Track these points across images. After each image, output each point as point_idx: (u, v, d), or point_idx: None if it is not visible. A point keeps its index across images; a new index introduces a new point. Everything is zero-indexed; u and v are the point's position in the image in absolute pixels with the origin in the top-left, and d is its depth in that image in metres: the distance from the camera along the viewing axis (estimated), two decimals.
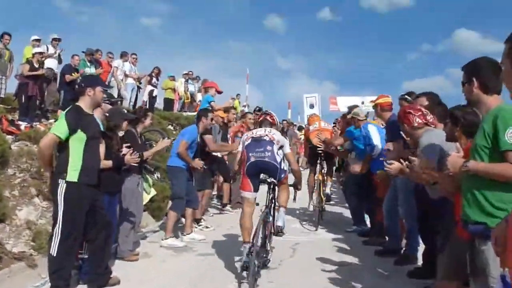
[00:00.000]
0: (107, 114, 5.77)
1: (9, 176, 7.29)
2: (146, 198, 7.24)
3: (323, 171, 10.13)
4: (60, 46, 13.49)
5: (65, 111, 4.88)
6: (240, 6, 78.11)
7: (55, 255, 4.65)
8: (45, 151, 4.80)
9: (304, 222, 9.68)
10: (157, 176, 7.34)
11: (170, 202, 8.15)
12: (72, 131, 4.73)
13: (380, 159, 6.01)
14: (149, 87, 16.54)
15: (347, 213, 9.91)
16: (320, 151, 9.85)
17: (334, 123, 12.39)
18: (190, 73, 20.16)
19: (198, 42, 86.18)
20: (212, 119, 8.29)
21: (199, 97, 19.12)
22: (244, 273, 5.65)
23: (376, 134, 7.76)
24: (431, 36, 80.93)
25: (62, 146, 4.79)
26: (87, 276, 5.24)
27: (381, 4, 72.78)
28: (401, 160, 4.43)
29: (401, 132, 5.50)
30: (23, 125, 10.27)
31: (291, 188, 6.60)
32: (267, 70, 76.23)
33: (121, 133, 6.23)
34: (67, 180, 4.71)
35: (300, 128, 22.26)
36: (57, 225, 4.68)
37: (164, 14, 75.32)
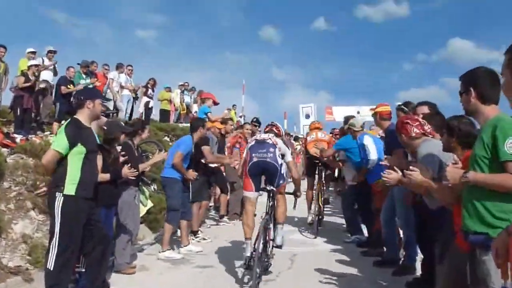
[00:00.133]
0: (105, 127, 5.76)
1: (5, 189, 7.24)
2: (143, 210, 7.19)
3: (321, 180, 10.31)
4: (55, 58, 13.49)
5: (64, 125, 4.84)
6: (235, 18, 78.39)
7: (52, 269, 4.60)
8: (48, 167, 4.81)
9: (303, 233, 9.68)
10: (154, 188, 7.32)
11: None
12: (72, 145, 4.71)
13: (380, 162, 5.99)
14: (145, 99, 16.56)
15: (344, 222, 9.94)
16: (317, 161, 10.10)
17: (331, 132, 12.42)
18: (186, 84, 20.18)
19: (193, 54, 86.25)
20: (208, 128, 8.30)
21: (195, 108, 19.14)
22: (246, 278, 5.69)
23: (372, 146, 7.75)
24: (426, 45, 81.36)
25: (60, 159, 4.77)
26: None
27: (376, 14, 73.11)
28: (395, 169, 4.45)
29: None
30: (18, 137, 10.25)
31: (291, 196, 6.81)
32: (263, 81, 76.28)
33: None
34: (64, 193, 4.68)
35: (296, 138, 22.28)
36: (54, 238, 4.64)
37: (160, 26, 75.49)
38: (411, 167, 3.98)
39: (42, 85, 12.06)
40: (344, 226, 9.84)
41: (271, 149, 6.30)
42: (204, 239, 8.73)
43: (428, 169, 4.23)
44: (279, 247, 6.53)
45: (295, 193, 6.86)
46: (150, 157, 7.86)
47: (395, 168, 4.37)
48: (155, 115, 18.24)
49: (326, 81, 77.53)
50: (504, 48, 2.83)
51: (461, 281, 3.28)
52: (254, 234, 6.12)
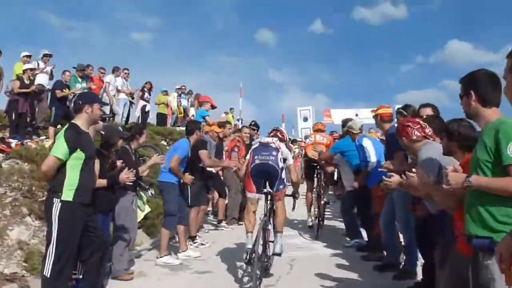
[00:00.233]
0: (102, 132, 5.75)
1: (0, 195, 7.23)
2: (140, 215, 7.19)
3: (321, 183, 10.44)
4: (51, 62, 13.48)
5: (63, 131, 4.82)
6: (230, 21, 78.20)
7: (49, 276, 4.58)
8: (48, 174, 4.78)
9: (302, 237, 9.68)
10: (151, 193, 7.29)
11: None
12: (71, 151, 4.69)
13: (379, 170, 5.99)
14: (142, 102, 16.51)
15: (343, 226, 9.95)
16: (316, 164, 10.26)
17: (330, 135, 12.44)
18: (183, 87, 20.16)
19: (189, 57, 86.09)
20: (206, 132, 8.30)
21: (192, 111, 19.12)
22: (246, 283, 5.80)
23: (371, 148, 7.75)
24: (424, 47, 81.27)
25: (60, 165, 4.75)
26: None
27: (373, 17, 73.16)
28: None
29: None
30: (13, 142, 10.24)
31: (290, 198, 7.05)
32: (260, 84, 76.24)
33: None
34: (62, 199, 4.66)
35: (293, 141, 22.28)
36: (51, 245, 4.62)
37: (155, 29, 75.42)
38: (410, 173, 3.98)
39: (37, 89, 12.03)
40: (344, 230, 9.84)
41: (274, 153, 6.55)
42: (203, 244, 8.71)
43: (429, 173, 4.23)
44: (278, 255, 6.62)
45: (294, 195, 7.06)
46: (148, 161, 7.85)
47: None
48: (152, 119, 18.22)
49: (324, 84, 77.48)
50: (502, 50, 2.85)
51: (463, 286, 3.28)
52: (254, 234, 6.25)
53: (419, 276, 6.10)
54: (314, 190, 10.44)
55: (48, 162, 4.74)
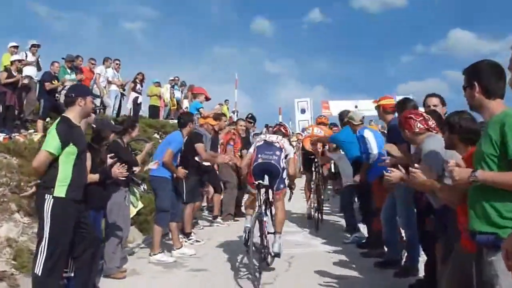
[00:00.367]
0: (94, 126, 5.74)
1: None
2: (133, 211, 7.19)
3: (319, 176, 10.77)
4: (38, 53, 13.42)
5: (55, 124, 4.80)
6: (225, 9, 77.96)
7: (40, 274, 4.58)
8: (40, 170, 4.76)
9: (301, 233, 9.71)
10: (143, 188, 7.30)
11: None
12: (64, 145, 4.68)
13: (379, 164, 6.01)
14: (133, 94, 16.50)
15: (343, 221, 10.03)
16: (313, 157, 10.64)
17: (330, 127, 12.53)
18: (176, 78, 20.12)
19: (182, 47, 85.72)
20: (201, 125, 8.31)
21: (185, 103, 19.09)
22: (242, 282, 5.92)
23: (373, 140, 7.73)
24: (425, 37, 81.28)
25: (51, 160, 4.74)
26: None
27: (373, 5, 73.09)
28: (400, 167, 4.46)
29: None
30: (1, 136, 10.22)
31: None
32: (256, 75, 76.00)
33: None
34: (54, 195, 4.66)
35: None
36: (43, 242, 4.62)
37: (147, 19, 75.08)
38: (413, 168, 4.00)
39: (25, 81, 11.98)
40: (343, 226, 9.90)
41: (277, 152, 6.88)
42: (198, 241, 8.71)
43: (432, 168, 4.25)
44: (277, 255, 6.74)
45: (290, 186, 7.39)
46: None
47: (398, 166, 4.38)
48: (144, 111, 18.21)
49: (322, 74, 77.37)
50: (507, 39, 2.84)
51: (466, 283, 3.30)
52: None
53: (421, 273, 6.14)
54: (312, 182, 10.69)
55: (39, 157, 4.72)
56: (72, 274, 5.13)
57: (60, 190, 4.69)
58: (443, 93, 5.81)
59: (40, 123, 11.66)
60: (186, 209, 8.42)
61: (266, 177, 6.78)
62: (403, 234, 6.94)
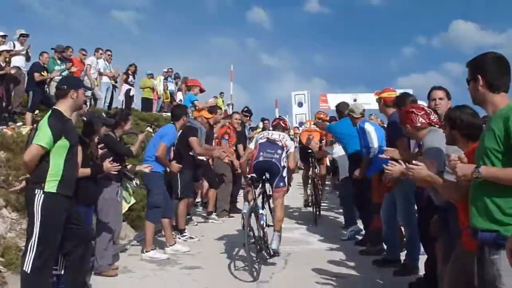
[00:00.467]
0: (84, 118, 5.71)
1: None
2: (125, 207, 7.16)
3: (315, 170, 11.21)
4: (28, 42, 13.34)
5: (47, 118, 4.76)
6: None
7: (29, 271, 4.57)
8: (31, 164, 4.70)
9: (298, 230, 9.73)
10: (136, 183, 7.27)
11: None
12: (56, 139, 4.65)
13: (379, 156, 5.99)
14: (126, 86, 16.46)
15: (341, 218, 10.08)
16: (310, 151, 11.20)
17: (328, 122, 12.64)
18: (170, 70, 20.09)
19: (177, 38, 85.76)
20: (195, 118, 8.30)
21: (179, 96, 19.08)
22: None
23: (374, 134, 7.65)
24: (427, 28, 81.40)
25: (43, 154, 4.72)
26: None
27: None
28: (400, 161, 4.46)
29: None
30: None
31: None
32: (252, 67, 76.15)
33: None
34: (45, 190, 4.64)
35: None
36: (33, 238, 4.60)
37: (140, 8, 74.86)
38: (415, 162, 3.98)
39: (13, 71, 11.93)
40: (341, 222, 9.96)
41: (279, 151, 7.19)
42: (192, 238, 8.68)
43: (434, 163, 4.24)
44: (276, 252, 6.95)
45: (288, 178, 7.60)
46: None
47: (399, 160, 4.37)
48: (137, 104, 18.16)
49: (320, 67, 77.58)
50: (511, 31, 2.82)
51: (467, 282, 3.31)
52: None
53: (421, 272, 6.14)
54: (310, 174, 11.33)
55: (31, 151, 4.68)
56: (62, 272, 5.13)
57: (51, 185, 4.66)
58: (445, 87, 5.79)
59: (28, 116, 11.62)
60: (180, 205, 8.41)
61: (267, 174, 7.06)
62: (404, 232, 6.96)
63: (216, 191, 10.56)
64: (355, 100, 22.69)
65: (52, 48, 13.54)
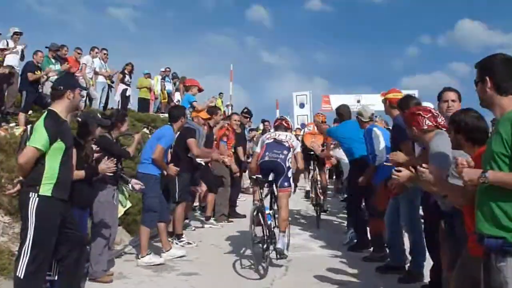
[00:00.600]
0: (79, 119, 5.72)
1: None
2: (121, 211, 7.15)
3: (315, 172, 11.51)
4: (22, 41, 13.34)
5: (42, 119, 4.75)
6: None
7: (22, 277, 4.56)
8: (26, 167, 4.70)
9: (299, 236, 9.72)
10: (132, 186, 7.26)
11: None
12: (52, 141, 4.66)
13: (385, 163, 5.98)
14: (122, 86, 16.44)
15: (343, 223, 10.10)
16: (312, 153, 11.32)
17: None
18: (167, 70, 20.11)
19: (175, 37, 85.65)
20: (193, 119, 8.32)
21: (177, 96, 19.09)
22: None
23: (382, 140, 7.44)
24: (432, 27, 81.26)
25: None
26: None
27: None
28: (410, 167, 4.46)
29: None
30: None
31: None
32: (252, 66, 76.08)
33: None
34: (40, 193, 4.64)
35: None
36: (26, 243, 4.59)
37: (137, 5, 74.85)
38: (421, 167, 3.99)
39: (6, 70, 11.94)
40: (343, 227, 9.95)
41: (285, 152, 7.42)
42: (189, 243, 8.64)
43: (441, 167, 4.25)
44: (282, 254, 7.10)
45: (294, 178, 7.90)
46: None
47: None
48: (133, 105, 18.14)
49: (322, 66, 77.47)
50: None
51: None
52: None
53: (427, 279, 6.14)
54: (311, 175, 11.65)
55: (26, 153, 4.68)
56: (56, 277, 5.13)
57: (46, 188, 4.66)
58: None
59: (22, 116, 11.63)
60: (178, 208, 8.39)
61: (272, 174, 7.29)
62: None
63: (215, 195, 10.55)
64: (358, 101, 22.75)
65: (46, 47, 13.53)
